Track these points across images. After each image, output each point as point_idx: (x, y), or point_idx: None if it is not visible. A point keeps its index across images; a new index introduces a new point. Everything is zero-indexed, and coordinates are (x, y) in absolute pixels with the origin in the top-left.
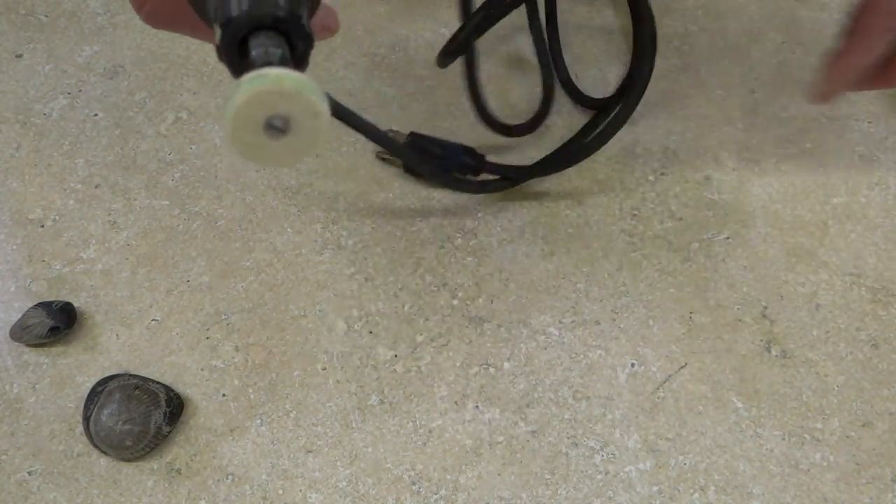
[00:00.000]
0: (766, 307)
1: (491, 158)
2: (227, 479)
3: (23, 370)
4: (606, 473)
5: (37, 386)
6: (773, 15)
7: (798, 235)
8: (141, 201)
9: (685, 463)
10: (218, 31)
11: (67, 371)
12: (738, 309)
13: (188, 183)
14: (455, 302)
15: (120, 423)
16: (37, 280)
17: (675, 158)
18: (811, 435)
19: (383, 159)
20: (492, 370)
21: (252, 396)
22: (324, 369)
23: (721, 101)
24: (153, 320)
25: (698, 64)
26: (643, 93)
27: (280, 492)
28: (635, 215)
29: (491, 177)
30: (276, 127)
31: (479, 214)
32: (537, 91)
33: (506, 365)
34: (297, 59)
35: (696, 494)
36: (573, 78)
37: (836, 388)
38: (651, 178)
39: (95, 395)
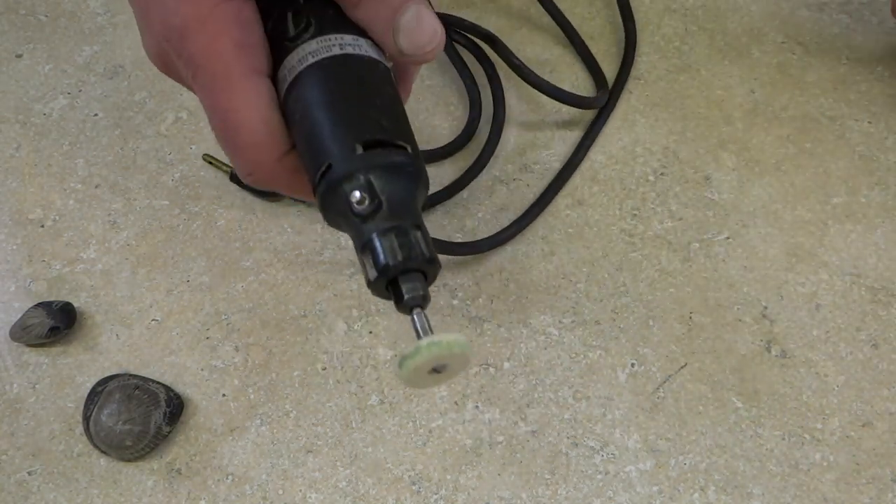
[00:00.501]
0: (766, 307)
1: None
2: (227, 479)
3: (23, 370)
4: (606, 473)
5: (37, 386)
6: (773, 15)
7: (798, 235)
8: (141, 201)
9: (685, 463)
10: (371, 269)
11: (67, 371)
12: (738, 309)
13: (188, 183)
14: (455, 302)
15: (120, 423)
16: (37, 280)
17: (675, 158)
18: (811, 435)
19: (210, 162)
20: (492, 370)
21: (252, 396)
22: (324, 369)
23: (721, 101)
24: (153, 320)
25: (698, 64)
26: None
27: (280, 492)
28: (635, 215)
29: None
30: (437, 370)
31: (479, 214)
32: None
33: (506, 365)
34: (429, 283)
35: (696, 494)
36: None
37: (836, 388)
38: (651, 178)
39: (95, 395)
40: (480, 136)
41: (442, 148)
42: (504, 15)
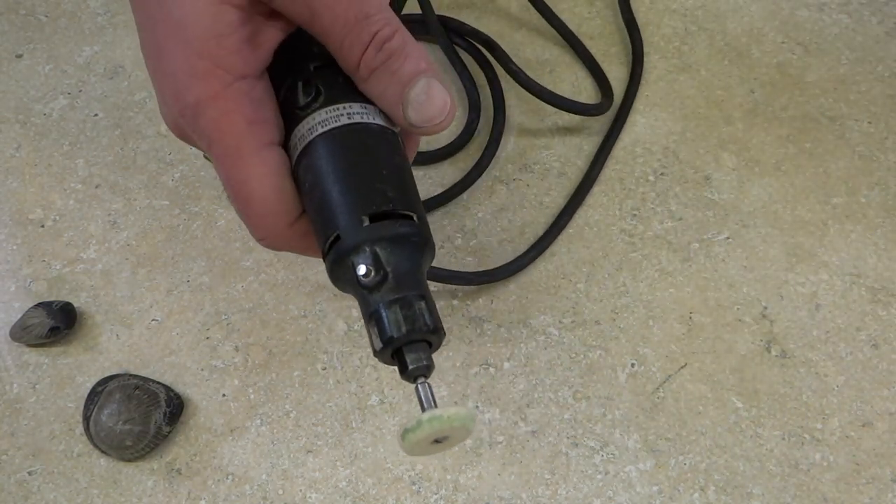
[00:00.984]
0: (766, 307)
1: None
2: (227, 479)
3: (23, 370)
4: (606, 473)
5: (37, 386)
6: (773, 15)
7: (798, 235)
8: (141, 201)
9: (685, 463)
10: (377, 340)
11: (67, 371)
12: (738, 309)
13: (188, 183)
14: (455, 302)
15: (120, 423)
16: (37, 280)
17: (675, 158)
18: (811, 435)
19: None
20: (492, 370)
21: (252, 396)
22: (324, 369)
23: (721, 101)
24: (153, 320)
25: (698, 64)
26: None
27: (280, 492)
28: (635, 215)
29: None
30: (438, 441)
31: (479, 214)
32: None
33: (506, 365)
34: (433, 350)
35: (696, 494)
36: None
37: (836, 388)
38: (651, 178)
39: (95, 395)
40: (480, 137)
41: (441, 149)
42: (504, 16)
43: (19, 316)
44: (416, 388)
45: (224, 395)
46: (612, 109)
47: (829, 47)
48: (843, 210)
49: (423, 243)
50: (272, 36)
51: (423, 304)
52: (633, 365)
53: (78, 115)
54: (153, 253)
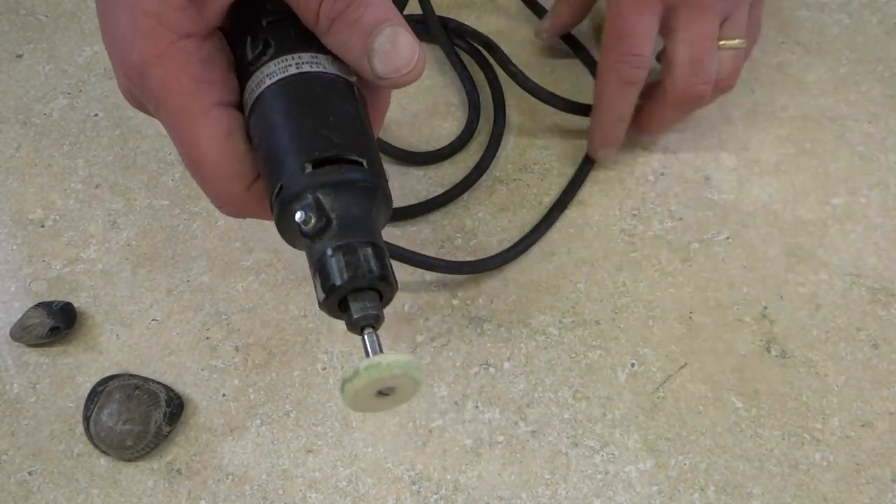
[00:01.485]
0: (766, 307)
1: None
2: (227, 479)
3: (23, 370)
4: (606, 473)
5: (37, 386)
6: (773, 15)
7: (798, 235)
8: (141, 201)
9: (685, 463)
10: (319, 290)
11: (67, 371)
12: (738, 309)
13: (188, 183)
14: (455, 302)
15: (120, 423)
16: (37, 280)
17: (675, 158)
18: (811, 435)
19: None
20: (492, 370)
21: (252, 396)
22: (324, 369)
23: (721, 101)
24: (153, 320)
25: None
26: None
27: (280, 492)
28: (635, 215)
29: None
30: (384, 392)
31: (479, 214)
32: None
33: (506, 365)
34: (385, 303)
35: (696, 494)
36: None
37: (836, 388)
38: (651, 178)
39: (95, 395)
40: (480, 137)
41: (441, 149)
42: (504, 16)
43: (19, 316)
44: (363, 340)
45: (224, 395)
46: None
47: (829, 47)
48: (843, 210)
49: (373, 189)
50: None
51: (368, 250)
52: (633, 365)
53: (78, 115)
54: (153, 253)
